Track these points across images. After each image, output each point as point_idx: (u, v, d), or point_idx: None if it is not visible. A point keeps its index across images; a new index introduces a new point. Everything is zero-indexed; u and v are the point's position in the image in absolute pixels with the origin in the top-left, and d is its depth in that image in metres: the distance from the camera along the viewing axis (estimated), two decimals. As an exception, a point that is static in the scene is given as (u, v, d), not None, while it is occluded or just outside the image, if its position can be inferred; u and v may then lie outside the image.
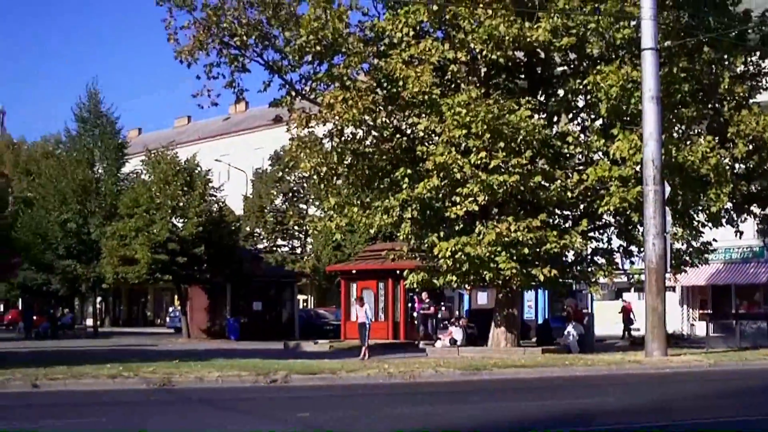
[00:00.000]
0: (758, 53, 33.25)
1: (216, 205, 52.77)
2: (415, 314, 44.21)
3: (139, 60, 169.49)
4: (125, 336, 56.65)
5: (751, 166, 32.09)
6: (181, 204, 49.30)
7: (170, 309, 72.82)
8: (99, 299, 75.83)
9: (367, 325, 31.36)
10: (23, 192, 79.24)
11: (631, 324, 47.19)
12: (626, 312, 47.41)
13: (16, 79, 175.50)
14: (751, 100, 32.16)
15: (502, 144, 27.72)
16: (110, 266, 50.31)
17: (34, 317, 61.61)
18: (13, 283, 70.36)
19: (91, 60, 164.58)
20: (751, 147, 30.86)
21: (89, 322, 72.24)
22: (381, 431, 13.39)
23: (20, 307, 79.57)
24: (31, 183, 73.03)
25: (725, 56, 30.90)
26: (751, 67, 33.06)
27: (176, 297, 60.43)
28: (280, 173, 66.89)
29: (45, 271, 60.80)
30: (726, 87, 30.18)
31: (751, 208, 33.61)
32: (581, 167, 30.52)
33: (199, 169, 52.08)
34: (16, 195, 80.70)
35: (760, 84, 33.18)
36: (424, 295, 39.27)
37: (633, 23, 28.28)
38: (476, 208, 28.29)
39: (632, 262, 32.96)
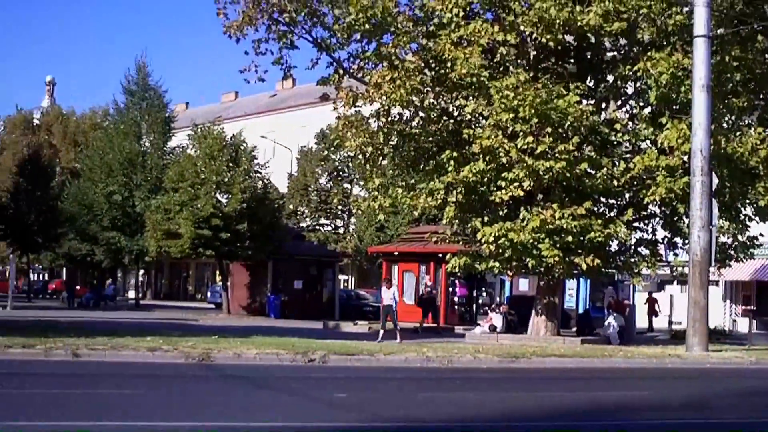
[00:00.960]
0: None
1: (260, 181, 52.85)
2: (456, 299, 44.19)
3: (188, 34, 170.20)
4: (166, 309, 56.99)
5: (803, 159, 31.61)
6: (225, 180, 49.40)
7: (211, 284, 73.26)
8: (141, 272, 76.38)
9: (393, 307, 31.27)
10: (70, 163, 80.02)
11: (656, 316, 46.87)
12: (651, 304, 47.07)
13: (66, 51, 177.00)
14: (805, 92, 31.68)
15: (549, 129, 27.50)
16: (153, 240, 50.59)
17: (77, 287, 62.27)
18: (58, 253, 71.04)
19: (140, 33, 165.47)
20: (803, 140, 30.42)
21: (131, 294, 72.84)
22: (414, 415, 13.28)
23: (64, 277, 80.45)
24: (79, 154, 73.69)
25: (779, 45, 30.43)
26: (806, 57, 32.53)
27: (218, 273, 60.71)
28: (326, 152, 67.00)
29: (89, 242, 61.34)
30: (779, 77, 29.75)
31: (801, 202, 33.10)
32: (628, 155, 30.20)
33: (244, 145, 52.18)
34: (64, 166, 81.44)
35: (814, 74, 32.67)
36: (427, 278, 39.07)
37: (686, 9, 27.88)
38: (521, 193, 28.07)
39: (676, 254, 32.60)
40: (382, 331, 30.79)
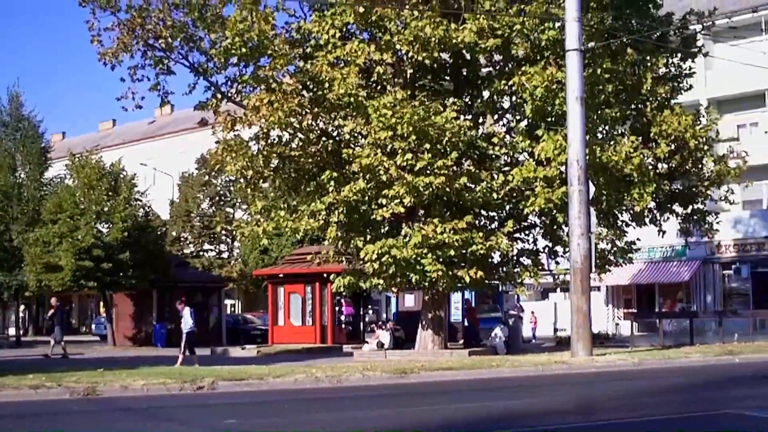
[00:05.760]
0: (679, 55, 33.85)
1: (142, 209, 52.15)
2: (343, 318, 44.28)
3: (63, 62, 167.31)
4: (50, 345, 55.63)
5: (673, 165, 32.60)
6: (105, 209, 48.67)
7: (95, 316, 71.95)
8: (22, 308, 74.55)
9: (184, 329, 31.05)
10: (-58, 199, 77.70)
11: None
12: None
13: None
14: (672, 101, 32.76)
15: (427, 145, 27.77)
16: (33, 273, 49.44)
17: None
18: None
19: (12, 63, 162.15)
20: (673, 147, 31.38)
21: (11, 331, 70.99)
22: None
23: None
24: (-50, 189, 71.62)
25: (647, 58, 31.32)
26: (672, 69, 33.62)
27: (101, 304, 59.63)
28: (207, 177, 66.56)
29: (-36, 280, 59.62)
30: (648, 88, 30.59)
31: (674, 207, 34.04)
32: (507, 168, 30.71)
33: (124, 173, 51.46)
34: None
35: (681, 85, 33.82)
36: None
37: (558, 24, 28.51)
38: (402, 210, 28.29)
39: (557, 263, 33.20)
40: (181, 356, 30.40)
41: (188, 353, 30.22)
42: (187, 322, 30.95)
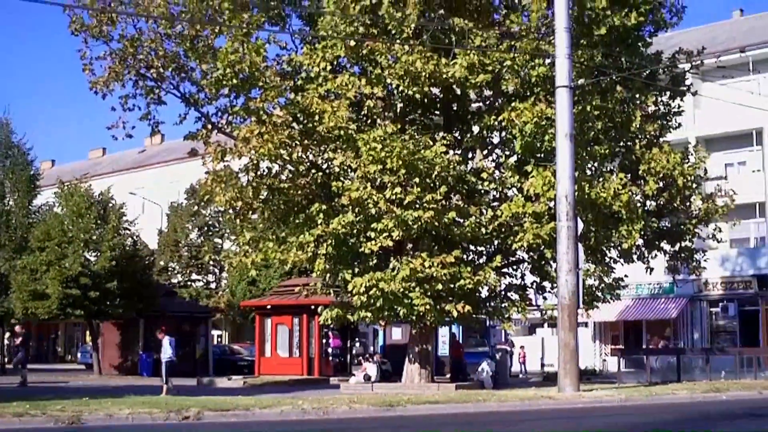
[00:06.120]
0: (668, 93, 34.02)
1: (130, 238, 52.14)
2: (330, 350, 44.21)
3: (54, 90, 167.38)
4: (35, 373, 55.04)
5: (662, 203, 32.69)
6: (94, 237, 48.66)
7: (81, 345, 71.63)
8: (7, 335, 74.19)
9: (163, 359, 31.35)
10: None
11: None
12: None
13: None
14: (661, 139, 32.90)
15: (417, 179, 27.86)
16: (20, 301, 49.30)
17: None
18: None
19: (2, 90, 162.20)
20: (661, 184, 31.48)
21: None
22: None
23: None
24: (-61, 216, 71.35)
25: (637, 95, 31.49)
26: (661, 107, 33.76)
27: (88, 332, 59.44)
28: (196, 207, 66.50)
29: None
30: (637, 125, 30.69)
31: (661, 244, 34.12)
32: (495, 203, 30.79)
33: (113, 202, 51.52)
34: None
35: (669, 123, 33.95)
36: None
37: (548, 61, 28.65)
38: (391, 243, 28.33)
39: (545, 298, 33.21)
40: (165, 386, 30.62)
41: (167, 383, 30.37)
42: (166, 351, 31.13)
